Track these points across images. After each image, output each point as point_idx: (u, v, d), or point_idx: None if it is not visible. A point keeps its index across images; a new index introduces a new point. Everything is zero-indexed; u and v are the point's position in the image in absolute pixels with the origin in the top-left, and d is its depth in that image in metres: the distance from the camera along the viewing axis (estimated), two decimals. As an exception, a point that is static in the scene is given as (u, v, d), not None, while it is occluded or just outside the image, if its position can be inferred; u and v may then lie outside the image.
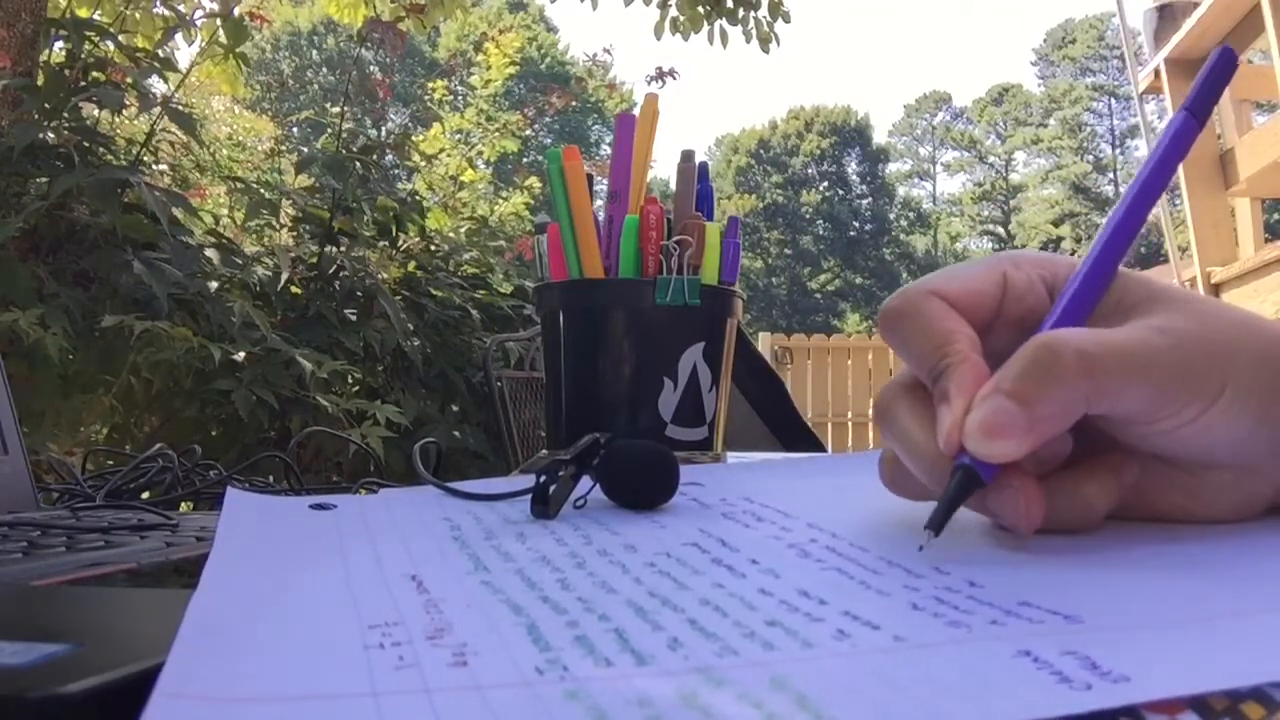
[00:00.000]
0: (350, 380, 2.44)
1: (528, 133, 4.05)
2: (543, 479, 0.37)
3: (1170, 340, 0.29)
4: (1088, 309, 0.31)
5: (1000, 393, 0.28)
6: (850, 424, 5.53)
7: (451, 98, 4.97)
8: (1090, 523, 0.30)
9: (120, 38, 2.40)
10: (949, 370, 0.30)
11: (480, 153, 3.94)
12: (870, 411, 0.35)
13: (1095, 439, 0.31)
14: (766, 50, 4.05)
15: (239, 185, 2.79)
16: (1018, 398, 0.27)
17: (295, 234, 2.76)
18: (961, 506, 0.29)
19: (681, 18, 4.00)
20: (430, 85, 4.49)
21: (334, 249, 2.60)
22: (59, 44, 2.43)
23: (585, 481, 0.38)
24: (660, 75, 3.62)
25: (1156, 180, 0.33)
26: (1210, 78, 0.33)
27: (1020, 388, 0.28)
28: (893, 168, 31.20)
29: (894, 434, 0.31)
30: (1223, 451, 0.30)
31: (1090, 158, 28.75)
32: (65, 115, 2.18)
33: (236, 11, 2.57)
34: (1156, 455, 0.31)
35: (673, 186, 0.66)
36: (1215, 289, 3.03)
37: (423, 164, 3.43)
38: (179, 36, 2.66)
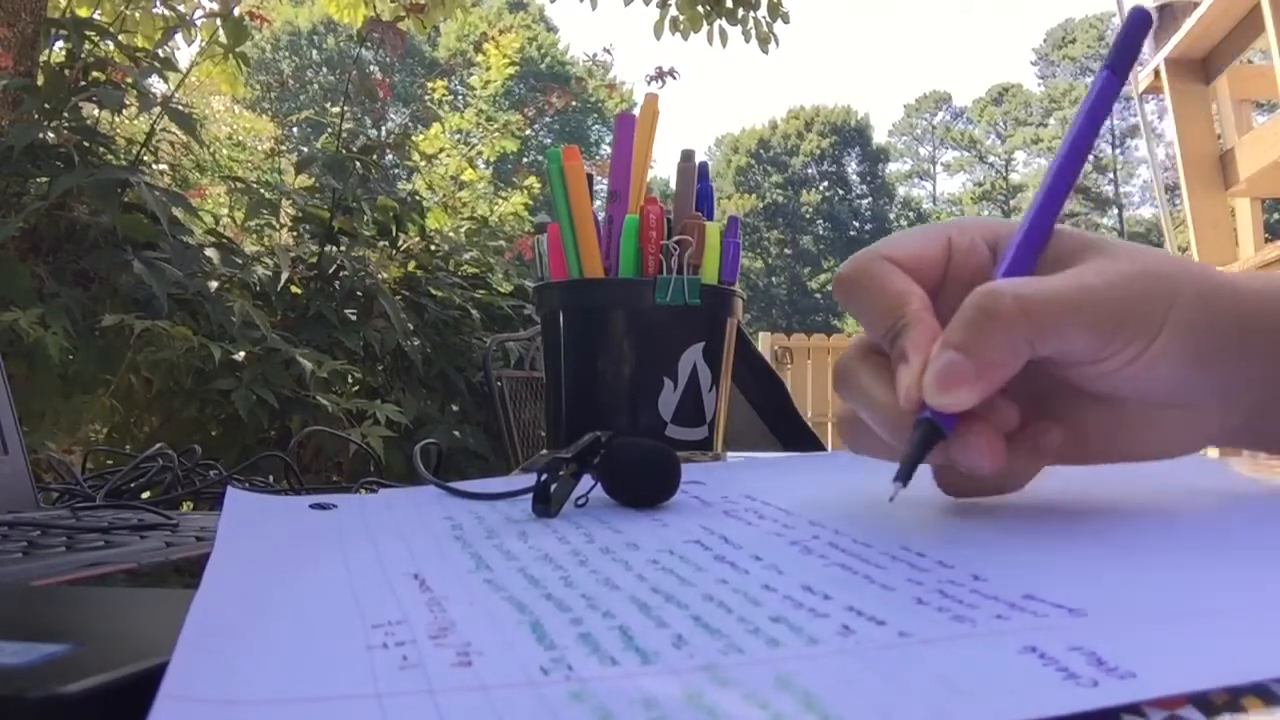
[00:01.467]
0: (350, 380, 2.44)
1: (528, 133, 4.05)
2: (544, 477, 0.36)
3: (1105, 280, 0.30)
4: (1030, 262, 0.33)
5: (949, 346, 0.29)
6: (850, 424, 5.52)
7: (451, 98, 4.96)
8: (1013, 486, 0.33)
9: (120, 38, 2.40)
10: (905, 330, 0.31)
11: (480, 153, 3.94)
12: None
13: (1043, 398, 0.33)
14: (766, 50, 4.04)
15: (239, 185, 2.80)
16: (964, 348, 0.29)
17: (295, 234, 2.76)
18: (944, 511, 0.30)
19: (681, 17, 3.99)
20: (430, 85, 4.49)
21: (334, 249, 2.60)
22: (59, 44, 2.43)
23: (586, 480, 0.38)
24: (660, 75, 3.62)
25: (1084, 137, 0.35)
26: (1127, 37, 0.36)
27: (965, 338, 0.29)
28: (893, 168, 31.21)
29: (856, 395, 0.33)
30: (1165, 389, 0.31)
31: (1090, 157, 28.67)
32: (65, 115, 2.18)
33: (236, 11, 2.57)
34: (1105, 397, 0.32)
35: (673, 186, 0.66)
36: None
37: (423, 164, 3.43)
38: (179, 36, 2.66)
